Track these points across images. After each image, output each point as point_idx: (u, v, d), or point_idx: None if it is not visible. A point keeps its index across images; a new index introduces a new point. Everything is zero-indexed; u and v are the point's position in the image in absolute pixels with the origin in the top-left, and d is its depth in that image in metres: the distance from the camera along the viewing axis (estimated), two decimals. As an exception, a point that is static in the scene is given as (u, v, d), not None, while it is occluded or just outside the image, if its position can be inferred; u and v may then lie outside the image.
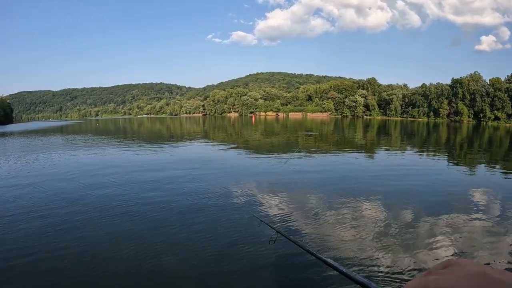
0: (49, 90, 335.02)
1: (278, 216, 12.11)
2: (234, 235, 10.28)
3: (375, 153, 31.80)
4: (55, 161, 25.24)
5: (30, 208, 13.16)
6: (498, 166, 24.49)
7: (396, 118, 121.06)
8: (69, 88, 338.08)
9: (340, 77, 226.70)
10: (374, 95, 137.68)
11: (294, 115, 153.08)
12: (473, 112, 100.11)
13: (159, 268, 8.43)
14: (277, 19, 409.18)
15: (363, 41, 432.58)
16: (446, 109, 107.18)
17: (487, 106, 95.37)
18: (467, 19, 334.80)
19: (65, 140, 47.84)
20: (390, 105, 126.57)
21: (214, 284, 7.94)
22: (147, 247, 9.52)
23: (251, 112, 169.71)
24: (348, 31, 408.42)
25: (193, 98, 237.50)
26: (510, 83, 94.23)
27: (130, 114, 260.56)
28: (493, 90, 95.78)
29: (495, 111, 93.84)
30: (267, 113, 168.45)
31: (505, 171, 22.41)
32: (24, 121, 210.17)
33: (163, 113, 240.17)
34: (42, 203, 13.81)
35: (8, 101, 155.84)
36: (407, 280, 7.70)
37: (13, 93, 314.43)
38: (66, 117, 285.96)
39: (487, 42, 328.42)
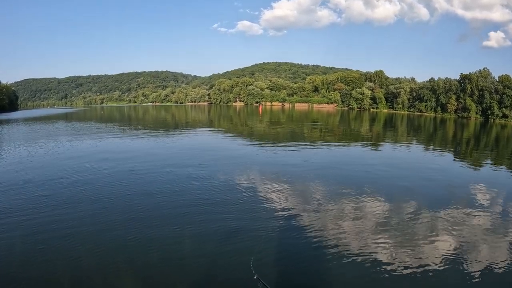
0: (54, 78, 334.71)
1: (279, 207, 12.32)
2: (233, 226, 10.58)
3: (381, 146, 31.73)
4: (57, 149, 25.57)
5: (30, 193, 13.52)
6: (503, 165, 24.39)
7: (403, 112, 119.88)
8: (74, 76, 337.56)
9: (347, 68, 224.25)
10: (381, 88, 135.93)
11: (300, 106, 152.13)
12: (481, 109, 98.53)
13: (168, 253, 8.66)
14: (283, 9, 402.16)
15: (370, 33, 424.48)
16: (454, 105, 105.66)
17: (496, 103, 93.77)
18: (475, 14, 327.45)
19: (68, 128, 48.15)
20: (397, 99, 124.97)
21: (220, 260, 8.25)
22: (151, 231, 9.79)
23: (257, 102, 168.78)
24: (355, 23, 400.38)
25: (199, 86, 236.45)
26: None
27: (135, 102, 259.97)
28: (502, 87, 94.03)
29: (503, 109, 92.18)
30: (273, 103, 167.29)
31: (510, 170, 22.29)
32: (29, 108, 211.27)
33: (168, 101, 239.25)
34: (43, 189, 14.19)
35: (13, 88, 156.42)
36: (408, 274, 7.81)
37: (19, 80, 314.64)
38: (71, 105, 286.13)
39: (495, 39, 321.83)
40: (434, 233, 10.44)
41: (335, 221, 11.23)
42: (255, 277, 7.04)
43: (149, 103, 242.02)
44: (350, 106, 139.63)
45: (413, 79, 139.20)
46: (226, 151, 25.42)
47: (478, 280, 7.85)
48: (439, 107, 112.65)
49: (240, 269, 8.01)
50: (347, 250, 9.11)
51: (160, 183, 15.46)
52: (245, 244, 9.34)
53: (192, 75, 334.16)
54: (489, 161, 25.91)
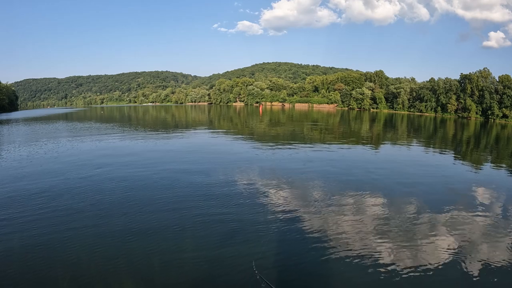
0: (55, 78, 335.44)
1: (280, 208, 12.31)
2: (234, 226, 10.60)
3: (381, 147, 31.71)
4: (57, 149, 25.59)
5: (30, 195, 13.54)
6: (503, 165, 24.36)
7: (403, 112, 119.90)
8: (75, 76, 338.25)
9: (347, 68, 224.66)
10: (382, 88, 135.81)
11: (300, 106, 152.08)
12: (481, 109, 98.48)
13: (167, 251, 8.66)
14: (283, 9, 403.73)
15: (370, 33, 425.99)
16: (454, 105, 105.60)
17: (496, 103, 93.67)
18: (475, 14, 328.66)
19: (68, 128, 48.09)
20: (397, 99, 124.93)
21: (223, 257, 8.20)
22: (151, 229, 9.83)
23: (257, 102, 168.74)
24: (355, 23, 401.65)
25: (199, 86, 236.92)
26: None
27: (135, 102, 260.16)
28: (502, 87, 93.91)
29: (503, 109, 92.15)
30: (273, 103, 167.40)
31: (511, 170, 22.27)
32: (29, 108, 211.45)
33: (168, 101, 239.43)
34: (42, 189, 14.20)
35: (13, 88, 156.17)
36: (408, 274, 7.77)
37: (19, 80, 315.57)
38: (71, 105, 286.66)
39: (495, 39, 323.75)
40: (434, 233, 10.42)
41: (336, 222, 11.21)
42: (258, 277, 7.04)
43: (149, 103, 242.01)
44: (350, 106, 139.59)
45: (413, 79, 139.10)
46: (227, 152, 25.40)
47: (478, 280, 7.85)
48: (439, 107, 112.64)
49: (242, 269, 8.01)
50: (348, 251, 9.10)
51: (160, 184, 15.45)
52: (246, 244, 9.35)
53: (192, 75, 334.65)
54: (489, 161, 25.89)
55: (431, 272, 8.10)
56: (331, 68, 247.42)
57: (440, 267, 8.36)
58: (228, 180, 16.24)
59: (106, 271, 7.94)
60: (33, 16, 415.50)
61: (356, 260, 8.58)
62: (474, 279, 7.88)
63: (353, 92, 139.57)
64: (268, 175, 17.56)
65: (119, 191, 14.13)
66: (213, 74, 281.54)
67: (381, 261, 8.58)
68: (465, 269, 8.28)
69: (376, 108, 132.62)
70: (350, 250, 9.14)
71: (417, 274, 8.02)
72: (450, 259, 8.77)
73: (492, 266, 8.46)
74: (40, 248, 8.89)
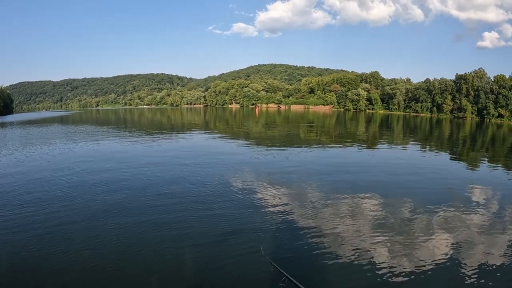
0: (50, 80, 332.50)
1: (277, 209, 12.01)
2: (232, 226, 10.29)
3: (377, 147, 31.60)
4: (51, 152, 25.09)
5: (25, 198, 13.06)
6: (499, 164, 24.35)
7: (399, 113, 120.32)
8: (70, 78, 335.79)
9: (342, 70, 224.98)
10: (377, 89, 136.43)
11: (296, 108, 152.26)
12: (476, 109, 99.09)
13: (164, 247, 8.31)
14: (278, 11, 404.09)
15: (365, 34, 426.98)
16: (449, 105, 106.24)
17: (491, 103, 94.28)
18: (470, 15, 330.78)
19: (63, 131, 47.65)
20: (393, 100, 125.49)
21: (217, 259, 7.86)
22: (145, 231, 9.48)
23: (253, 104, 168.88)
24: (350, 24, 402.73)
25: (194, 89, 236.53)
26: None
27: (131, 105, 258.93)
28: (497, 87, 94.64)
29: (499, 109, 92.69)
30: (269, 105, 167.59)
31: (507, 169, 22.23)
32: (24, 112, 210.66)
33: (164, 103, 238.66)
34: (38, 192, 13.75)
35: (8, 91, 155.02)
36: (406, 274, 7.58)
37: (14, 83, 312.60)
38: (66, 108, 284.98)
39: (490, 39, 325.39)
40: (431, 233, 10.26)
41: (333, 221, 11.02)
42: (267, 261, 7.13)
43: (144, 106, 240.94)
44: (346, 107, 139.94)
45: (408, 79, 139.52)
46: (224, 154, 25.12)
47: (476, 279, 7.67)
48: (434, 107, 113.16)
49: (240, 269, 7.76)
50: (346, 250, 8.88)
51: (157, 185, 15.15)
52: (246, 243, 9.21)
53: (188, 77, 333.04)
54: (485, 161, 25.82)
55: (429, 272, 7.94)
56: (326, 70, 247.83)
57: (437, 266, 8.21)
58: (225, 182, 16.01)
59: (103, 274, 7.69)
60: (28, 19, 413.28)
61: (355, 260, 8.39)
62: (472, 278, 7.70)
63: (349, 93, 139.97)
64: (265, 176, 17.32)
65: (114, 192, 13.83)
66: (209, 76, 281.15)
67: (380, 261, 8.42)
68: (462, 269, 8.11)
69: (372, 109, 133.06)
70: (348, 250, 8.93)
71: (414, 273, 7.86)
72: (448, 259, 8.60)
73: (490, 265, 8.32)
74: (30, 252, 8.56)
